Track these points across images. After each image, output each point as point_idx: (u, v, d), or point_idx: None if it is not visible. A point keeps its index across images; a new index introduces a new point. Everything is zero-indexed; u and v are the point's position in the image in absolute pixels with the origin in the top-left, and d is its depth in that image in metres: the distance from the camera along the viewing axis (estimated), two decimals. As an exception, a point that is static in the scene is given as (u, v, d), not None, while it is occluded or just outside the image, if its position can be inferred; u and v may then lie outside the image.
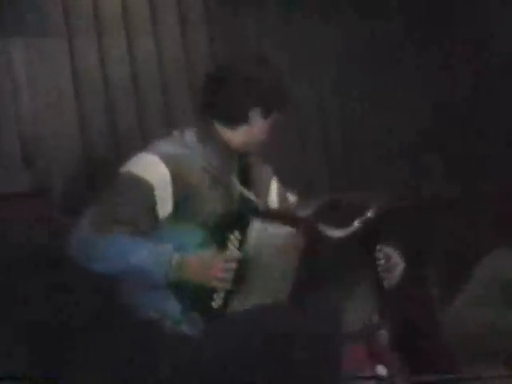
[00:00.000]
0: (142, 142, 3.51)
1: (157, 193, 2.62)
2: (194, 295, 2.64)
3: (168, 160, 2.66)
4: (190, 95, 3.71)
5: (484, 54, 4.25)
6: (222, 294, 2.63)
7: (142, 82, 3.65)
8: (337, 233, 2.74)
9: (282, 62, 3.85)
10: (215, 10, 3.81)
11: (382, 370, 2.93)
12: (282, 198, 2.93)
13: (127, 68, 3.61)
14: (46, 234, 3.32)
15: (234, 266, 2.62)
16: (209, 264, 2.62)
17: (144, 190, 2.62)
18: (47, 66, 3.47)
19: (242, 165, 2.83)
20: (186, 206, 2.66)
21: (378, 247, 2.78)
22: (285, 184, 2.94)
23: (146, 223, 2.62)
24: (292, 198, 2.97)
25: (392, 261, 2.81)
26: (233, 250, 2.65)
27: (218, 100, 2.77)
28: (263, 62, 2.85)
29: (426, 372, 2.93)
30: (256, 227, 2.66)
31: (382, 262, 2.78)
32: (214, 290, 2.64)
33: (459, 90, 4.27)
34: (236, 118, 2.76)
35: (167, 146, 2.73)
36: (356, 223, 2.76)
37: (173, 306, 2.64)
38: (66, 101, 3.49)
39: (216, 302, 2.64)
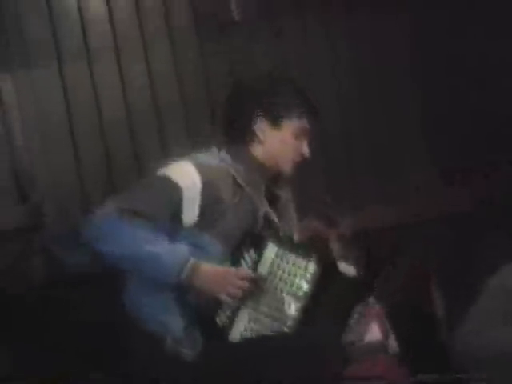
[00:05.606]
0: (138, 173, 3.55)
1: (185, 197, 2.61)
2: (199, 306, 2.60)
3: (201, 169, 2.65)
4: (184, 121, 3.67)
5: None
6: (227, 312, 2.60)
7: (136, 109, 3.59)
8: (351, 270, 2.75)
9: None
10: (207, 34, 3.75)
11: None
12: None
13: (120, 96, 3.55)
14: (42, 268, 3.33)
15: (246, 285, 2.59)
16: (223, 276, 2.59)
17: (171, 191, 2.61)
18: (39, 98, 3.43)
19: (272, 189, 2.80)
20: (212, 217, 2.63)
21: None
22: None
23: (165, 222, 2.59)
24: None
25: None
26: (245, 268, 2.63)
27: (226, 120, 2.80)
28: (267, 77, 2.87)
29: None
30: (273, 251, 2.65)
31: None
32: (219, 305, 2.60)
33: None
34: (243, 134, 2.75)
35: (203, 157, 2.73)
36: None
37: (175, 321, 2.61)
38: (59, 133, 3.45)
39: (220, 319, 2.60)
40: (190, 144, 3.55)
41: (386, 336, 2.87)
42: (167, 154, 3.48)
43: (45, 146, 3.42)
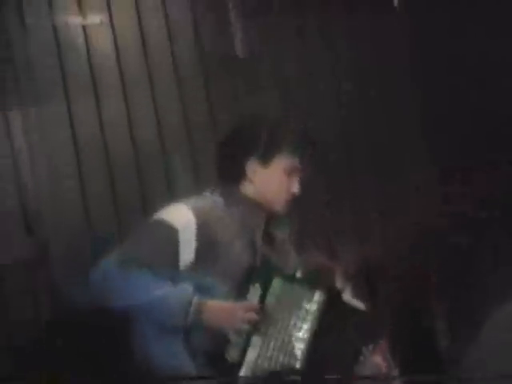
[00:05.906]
0: (143, 208, 3.49)
1: (181, 237, 2.62)
2: (207, 344, 2.62)
3: (196, 209, 2.67)
4: (190, 158, 3.63)
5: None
6: (237, 348, 2.60)
7: (142, 146, 3.56)
8: (356, 302, 2.77)
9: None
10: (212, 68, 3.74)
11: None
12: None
13: (127, 133, 3.52)
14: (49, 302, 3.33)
15: (254, 316, 2.60)
16: (229, 311, 2.61)
17: (168, 234, 2.63)
18: (47, 135, 3.38)
19: (268, 228, 2.80)
20: (209, 256, 2.64)
21: None
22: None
23: (167, 268, 2.61)
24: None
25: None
26: (252, 301, 2.64)
27: (218, 160, 2.83)
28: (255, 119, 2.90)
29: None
30: (277, 285, 2.66)
31: None
32: (228, 342, 2.61)
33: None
34: (234, 174, 2.76)
35: (198, 199, 2.76)
36: None
37: (186, 364, 2.61)
38: (66, 169, 3.41)
39: (230, 355, 2.60)
40: (196, 181, 3.58)
41: (389, 369, 2.87)
42: (173, 190, 3.51)
43: (52, 181, 3.37)
